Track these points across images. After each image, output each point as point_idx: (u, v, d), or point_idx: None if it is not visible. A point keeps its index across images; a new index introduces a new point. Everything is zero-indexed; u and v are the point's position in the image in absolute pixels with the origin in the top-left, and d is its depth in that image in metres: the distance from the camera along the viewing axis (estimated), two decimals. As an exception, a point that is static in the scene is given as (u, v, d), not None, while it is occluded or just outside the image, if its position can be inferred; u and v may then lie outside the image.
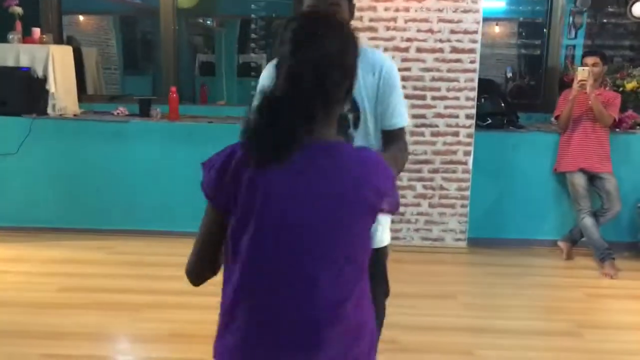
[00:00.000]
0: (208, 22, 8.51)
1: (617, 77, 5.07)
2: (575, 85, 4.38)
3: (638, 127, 4.86)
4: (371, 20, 4.48)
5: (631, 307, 3.83)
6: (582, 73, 4.33)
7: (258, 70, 8.54)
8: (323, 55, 1.23)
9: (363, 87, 2.05)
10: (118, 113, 5.05)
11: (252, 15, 8.09)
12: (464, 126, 4.61)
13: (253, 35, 8.37)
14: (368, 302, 1.36)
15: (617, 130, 4.70)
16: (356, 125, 2.09)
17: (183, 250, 4.85)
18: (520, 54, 7.37)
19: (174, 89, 4.90)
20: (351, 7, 2.05)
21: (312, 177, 1.24)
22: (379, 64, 2.08)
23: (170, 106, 4.86)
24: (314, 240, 1.23)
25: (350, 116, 2.08)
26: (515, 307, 3.78)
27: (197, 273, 1.37)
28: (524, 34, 7.41)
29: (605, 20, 7.08)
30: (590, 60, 4.46)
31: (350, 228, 1.26)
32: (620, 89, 4.95)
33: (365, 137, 2.11)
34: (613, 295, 4.01)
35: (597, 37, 7.14)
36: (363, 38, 4.35)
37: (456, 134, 4.64)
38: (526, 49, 7.28)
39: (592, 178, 4.55)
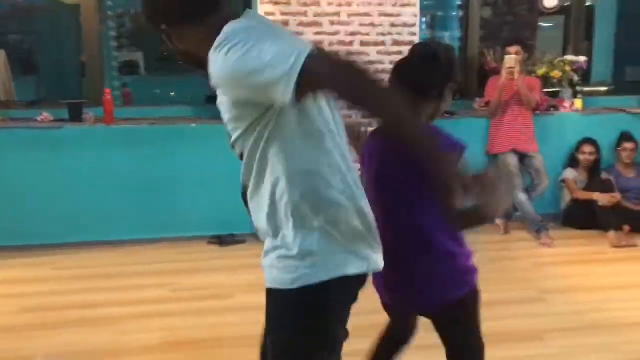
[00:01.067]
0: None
1: (529, 64, 5.51)
2: (504, 72, 4.72)
3: (552, 109, 5.34)
4: (316, 15, 4.54)
5: (577, 272, 4.19)
6: (510, 61, 4.67)
7: (135, 68, 8.31)
8: None
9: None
10: (42, 119, 4.71)
11: (109, 13, 7.82)
12: (406, 115, 4.79)
13: (112, 33, 8.10)
14: None
15: (537, 112, 5.12)
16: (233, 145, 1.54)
17: (129, 259, 4.73)
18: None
19: (108, 90, 4.66)
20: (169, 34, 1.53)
21: None
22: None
23: (105, 109, 4.61)
24: None
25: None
26: (476, 281, 4.01)
27: None
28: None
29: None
30: (513, 49, 4.83)
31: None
32: (532, 74, 5.39)
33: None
34: (556, 263, 4.38)
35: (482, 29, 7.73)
36: (308, 33, 4.41)
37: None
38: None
39: (522, 157, 4.94)
